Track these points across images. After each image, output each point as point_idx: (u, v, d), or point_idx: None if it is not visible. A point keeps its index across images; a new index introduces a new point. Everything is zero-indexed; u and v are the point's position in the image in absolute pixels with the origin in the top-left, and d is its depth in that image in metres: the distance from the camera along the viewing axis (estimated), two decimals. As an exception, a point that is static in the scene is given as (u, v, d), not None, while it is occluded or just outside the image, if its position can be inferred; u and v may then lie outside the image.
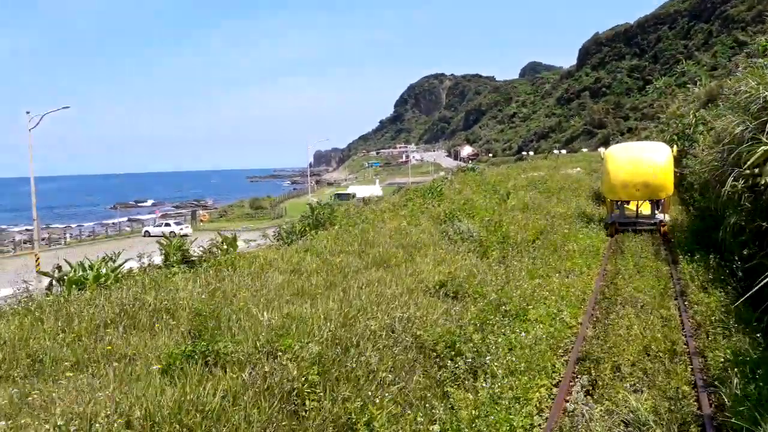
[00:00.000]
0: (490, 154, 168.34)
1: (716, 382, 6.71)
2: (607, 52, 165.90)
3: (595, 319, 10.26)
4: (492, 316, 9.07)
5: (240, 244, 17.69)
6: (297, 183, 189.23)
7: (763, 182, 9.58)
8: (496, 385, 6.63)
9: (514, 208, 19.46)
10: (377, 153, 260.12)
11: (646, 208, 19.65)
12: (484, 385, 6.66)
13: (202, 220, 73.41)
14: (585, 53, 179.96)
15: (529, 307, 9.86)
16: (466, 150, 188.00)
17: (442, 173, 79.92)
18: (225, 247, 15.17)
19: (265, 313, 7.75)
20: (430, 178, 62.58)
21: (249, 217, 76.42)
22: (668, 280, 12.48)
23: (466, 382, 6.86)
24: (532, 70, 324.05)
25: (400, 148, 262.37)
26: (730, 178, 11.36)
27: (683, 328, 9.31)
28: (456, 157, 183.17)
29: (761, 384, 6.02)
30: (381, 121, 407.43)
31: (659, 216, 18.77)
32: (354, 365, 6.25)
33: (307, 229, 17.02)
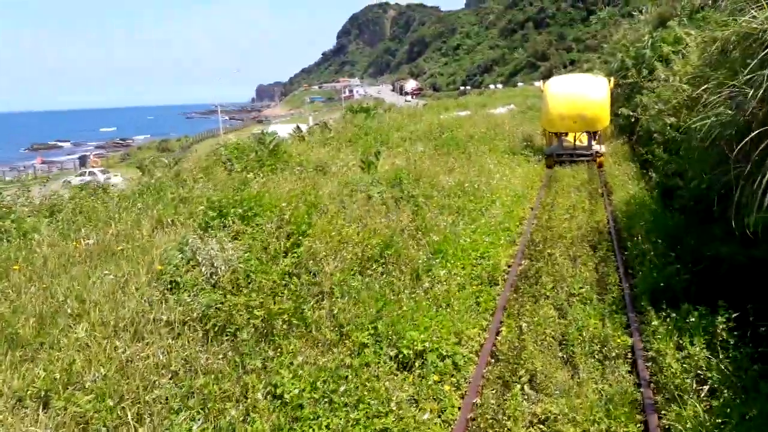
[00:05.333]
0: (434, 89, 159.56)
1: None
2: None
3: None
4: None
5: None
6: (236, 119, 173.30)
7: None
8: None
9: (377, 182, 11.78)
10: (320, 87, 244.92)
11: (583, 140, 19.72)
12: None
13: (93, 165, 63.85)
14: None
15: None
16: (410, 84, 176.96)
17: (380, 110, 70.50)
18: None
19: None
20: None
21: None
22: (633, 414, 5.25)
23: None
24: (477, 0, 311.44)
25: (343, 81, 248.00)
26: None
27: None
28: (401, 91, 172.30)
29: None
30: (324, 53, 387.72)
31: (596, 147, 19.03)
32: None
33: None
